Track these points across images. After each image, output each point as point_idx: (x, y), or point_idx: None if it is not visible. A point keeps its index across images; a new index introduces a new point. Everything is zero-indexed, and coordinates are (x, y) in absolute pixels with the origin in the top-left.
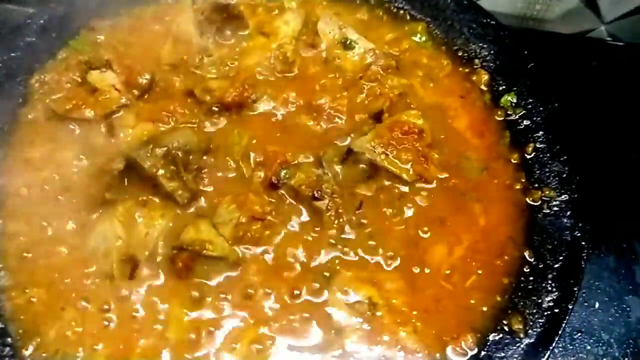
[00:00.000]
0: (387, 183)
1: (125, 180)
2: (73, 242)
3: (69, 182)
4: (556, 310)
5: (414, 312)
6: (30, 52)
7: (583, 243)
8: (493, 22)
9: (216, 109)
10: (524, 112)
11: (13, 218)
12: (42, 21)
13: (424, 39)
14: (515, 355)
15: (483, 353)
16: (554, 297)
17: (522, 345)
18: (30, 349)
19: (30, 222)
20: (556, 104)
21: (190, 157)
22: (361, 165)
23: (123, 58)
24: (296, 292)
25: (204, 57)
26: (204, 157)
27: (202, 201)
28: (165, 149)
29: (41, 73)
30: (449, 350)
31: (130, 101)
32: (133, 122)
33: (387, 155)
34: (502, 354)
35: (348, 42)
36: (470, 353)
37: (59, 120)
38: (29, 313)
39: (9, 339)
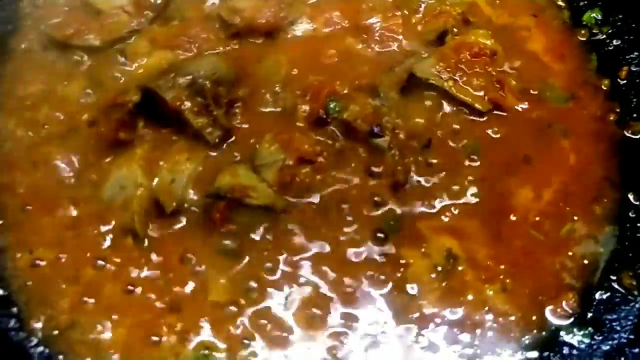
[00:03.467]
0: (457, 115)
1: (142, 116)
2: (83, 193)
3: (74, 120)
4: None
5: (502, 267)
6: None
7: None
8: None
9: (246, 33)
10: (612, 30)
11: (9, 166)
12: None
13: None
14: (630, 317)
15: (590, 315)
16: None
17: (637, 305)
18: (41, 320)
19: (29, 171)
20: None
21: (219, 88)
22: (425, 94)
23: None
24: (358, 246)
25: None
26: (236, 89)
27: (236, 141)
28: (190, 77)
29: None
30: (547, 311)
31: (142, 25)
32: (147, 49)
33: (455, 81)
34: (614, 316)
35: None
36: (574, 315)
37: (58, 50)
38: (36, 278)
39: (15, 309)
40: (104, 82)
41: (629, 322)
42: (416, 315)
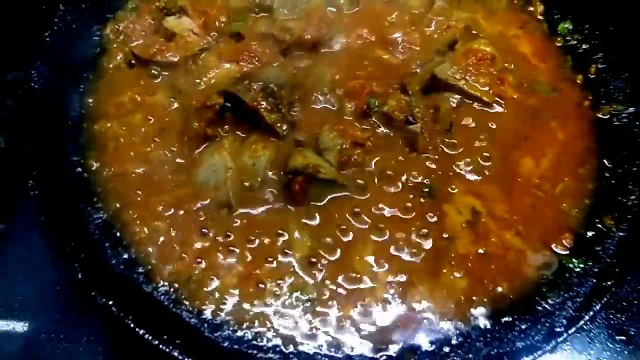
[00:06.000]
0: (469, 106)
1: (225, 115)
2: (180, 178)
3: (164, 123)
4: None
5: (515, 218)
6: (99, 3)
7: None
8: None
9: (294, 49)
10: (581, 37)
11: (117, 159)
12: None
13: None
14: (612, 247)
15: (583, 248)
16: (637, 196)
17: (616, 239)
18: (164, 276)
19: (134, 162)
20: (611, 27)
21: (282, 91)
22: (444, 91)
23: (196, 5)
24: (404, 207)
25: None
26: (294, 92)
27: (298, 132)
28: (261, 83)
29: (114, 23)
30: (552, 247)
31: (209, 44)
32: (215, 63)
33: (467, 80)
34: (600, 247)
35: None
36: (571, 248)
37: (141, 66)
38: (155, 245)
39: (141, 269)
40: (184, 91)
41: (611, 251)
42: (453, 254)
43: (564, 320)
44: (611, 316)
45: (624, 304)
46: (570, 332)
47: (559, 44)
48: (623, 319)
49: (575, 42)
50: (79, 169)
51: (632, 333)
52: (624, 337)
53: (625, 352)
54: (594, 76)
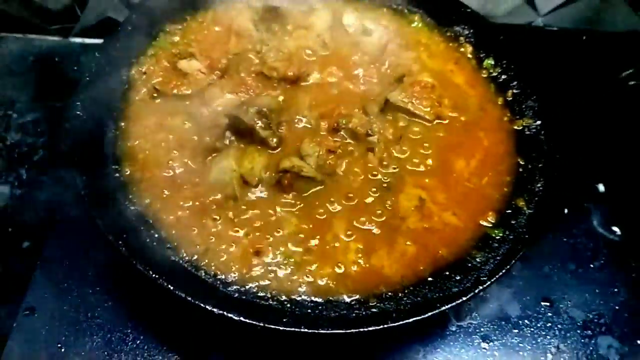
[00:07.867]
0: (415, 123)
1: (230, 132)
2: (196, 179)
3: (181, 140)
4: (545, 191)
5: (451, 203)
6: (126, 51)
7: (555, 149)
8: (469, 10)
9: (280, 82)
10: (501, 70)
11: (146, 167)
12: (130, 28)
13: (420, 25)
14: (523, 221)
15: (502, 222)
16: (541, 184)
17: (525, 215)
18: (186, 250)
19: (159, 169)
20: (523, 63)
21: (272, 115)
22: (395, 112)
23: (202, 51)
24: (367, 197)
25: (263, 46)
26: (281, 115)
27: (286, 144)
28: (256, 108)
29: (138, 66)
30: (480, 222)
31: (213, 80)
32: (218, 94)
33: (413, 103)
34: (514, 221)
35: (367, 30)
36: (493, 223)
37: (161, 98)
38: (179, 226)
39: (169, 245)
40: (195, 116)
41: (522, 223)
42: (405, 229)
43: (487, 273)
44: (537, 286)
45: (547, 276)
46: (491, 280)
47: (484, 75)
48: (546, 288)
49: (496, 74)
50: (117, 174)
51: (553, 298)
52: (548, 303)
53: (549, 313)
54: (510, 99)
